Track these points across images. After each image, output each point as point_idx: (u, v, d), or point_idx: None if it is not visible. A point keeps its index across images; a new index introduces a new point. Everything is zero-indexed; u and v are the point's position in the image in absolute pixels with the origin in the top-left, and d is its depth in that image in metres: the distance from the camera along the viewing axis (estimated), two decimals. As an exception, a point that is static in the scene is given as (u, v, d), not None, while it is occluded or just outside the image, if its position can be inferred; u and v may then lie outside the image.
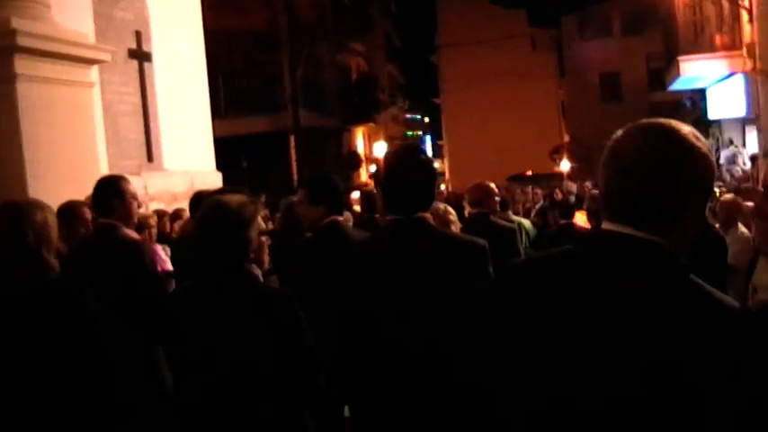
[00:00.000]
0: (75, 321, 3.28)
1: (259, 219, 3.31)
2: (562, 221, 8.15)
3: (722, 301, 1.77)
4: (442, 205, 5.50)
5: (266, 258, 3.51)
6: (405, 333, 3.13)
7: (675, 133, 1.84)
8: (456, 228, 5.40)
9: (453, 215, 5.48)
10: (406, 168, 3.33)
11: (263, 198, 15.50)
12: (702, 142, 1.86)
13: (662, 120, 1.90)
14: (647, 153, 1.82)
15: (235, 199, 3.24)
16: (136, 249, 4.89)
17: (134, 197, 5.09)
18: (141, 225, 6.51)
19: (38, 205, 3.55)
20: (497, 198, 7.46)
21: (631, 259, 1.81)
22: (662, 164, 1.80)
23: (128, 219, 5.01)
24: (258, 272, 3.32)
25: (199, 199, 5.79)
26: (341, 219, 4.84)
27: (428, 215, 3.31)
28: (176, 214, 8.84)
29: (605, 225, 1.88)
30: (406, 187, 3.28)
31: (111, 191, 4.96)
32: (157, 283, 4.86)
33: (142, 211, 6.72)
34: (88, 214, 5.89)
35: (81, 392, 3.25)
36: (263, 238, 3.39)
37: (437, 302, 3.12)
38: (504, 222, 7.20)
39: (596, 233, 1.93)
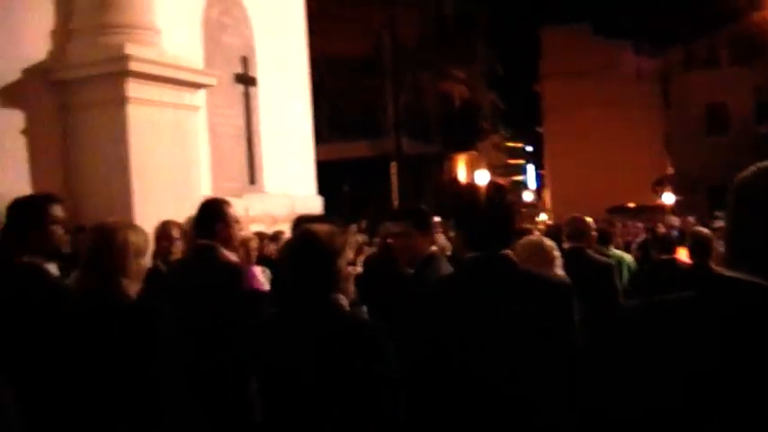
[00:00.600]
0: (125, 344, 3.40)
1: (347, 249, 3.34)
2: (663, 257, 7.95)
3: None
4: (548, 242, 5.18)
5: (352, 288, 3.52)
6: (486, 371, 3.09)
7: None
8: (559, 265, 5.13)
9: (557, 252, 5.20)
10: (486, 205, 3.31)
11: (363, 224, 15.57)
12: None
13: None
14: None
15: (325, 229, 3.29)
16: (233, 272, 4.98)
17: (236, 221, 5.18)
18: (241, 246, 6.62)
19: (122, 227, 3.65)
20: (594, 233, 7.33)
21: (744, 305, 1.75)
22: None
23: (229, 242, 5.09)
24: (345, 301, 3.35)
25: (300, 223, 5.87)
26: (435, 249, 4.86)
27: (510, 252, 3.27)
28: (276, 236, 8.98)
29: (727, 272, 1.82)
30: (488, 224, 3.25)
31: (215, 214, 5.06)
32: (249, 306, 4.92)
33: (243, 233, 6.84)
34: (176, 232, 6.04)
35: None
36: (350, 268, 3.41)
37: (519, 341, 3.08)
38: (600, 258, 7.07)
39: (712, 278, 1.87)
